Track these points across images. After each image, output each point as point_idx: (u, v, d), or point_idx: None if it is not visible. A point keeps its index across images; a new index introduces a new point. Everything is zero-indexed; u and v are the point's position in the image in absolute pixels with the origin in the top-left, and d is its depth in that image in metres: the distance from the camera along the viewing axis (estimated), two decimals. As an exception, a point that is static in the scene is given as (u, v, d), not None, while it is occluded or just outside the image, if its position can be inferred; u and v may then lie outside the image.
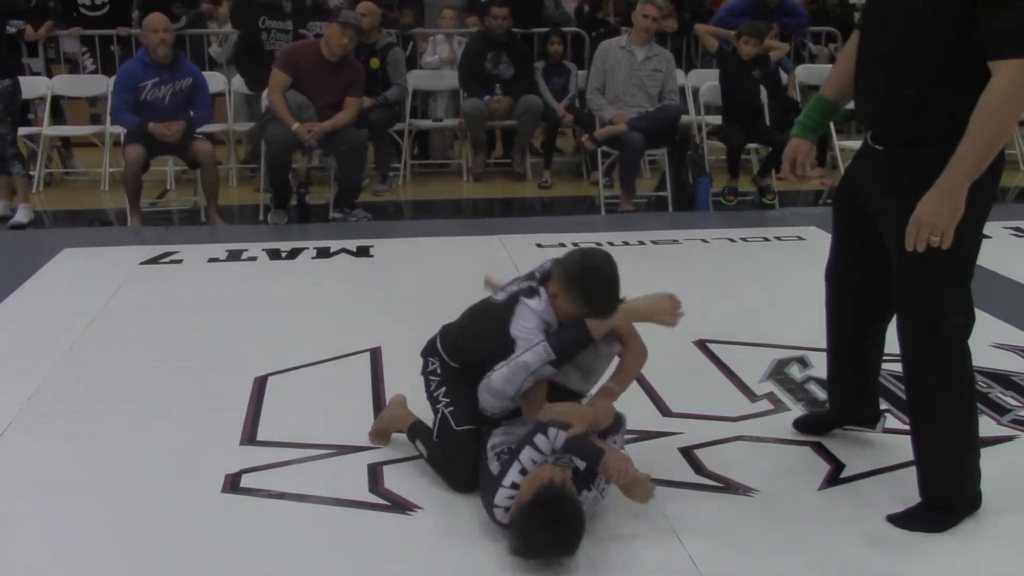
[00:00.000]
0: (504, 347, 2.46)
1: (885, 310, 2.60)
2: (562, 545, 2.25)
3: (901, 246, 2.30)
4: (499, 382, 2.44)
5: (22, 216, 6.05)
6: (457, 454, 2.58)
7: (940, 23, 2.20)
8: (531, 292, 2.52)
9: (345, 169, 6.16)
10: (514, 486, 2.34)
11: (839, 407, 2.93)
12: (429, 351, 2.74)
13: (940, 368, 2.41)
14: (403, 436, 2.83)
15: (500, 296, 2.61)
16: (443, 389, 2.65)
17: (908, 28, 2.25)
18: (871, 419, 2.95)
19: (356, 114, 6.15)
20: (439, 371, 2.68)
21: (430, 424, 2.69)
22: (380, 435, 2.90)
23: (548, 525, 2.21)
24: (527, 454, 2.36)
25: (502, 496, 2.36)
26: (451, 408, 2.61)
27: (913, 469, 2.76)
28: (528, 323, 2.46)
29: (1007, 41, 2.13)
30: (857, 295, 2.69)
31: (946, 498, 2.51)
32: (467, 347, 2.64)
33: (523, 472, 2.35)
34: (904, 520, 2.49)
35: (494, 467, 2.44)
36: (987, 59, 2.16)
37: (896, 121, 2.34)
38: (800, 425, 3.00)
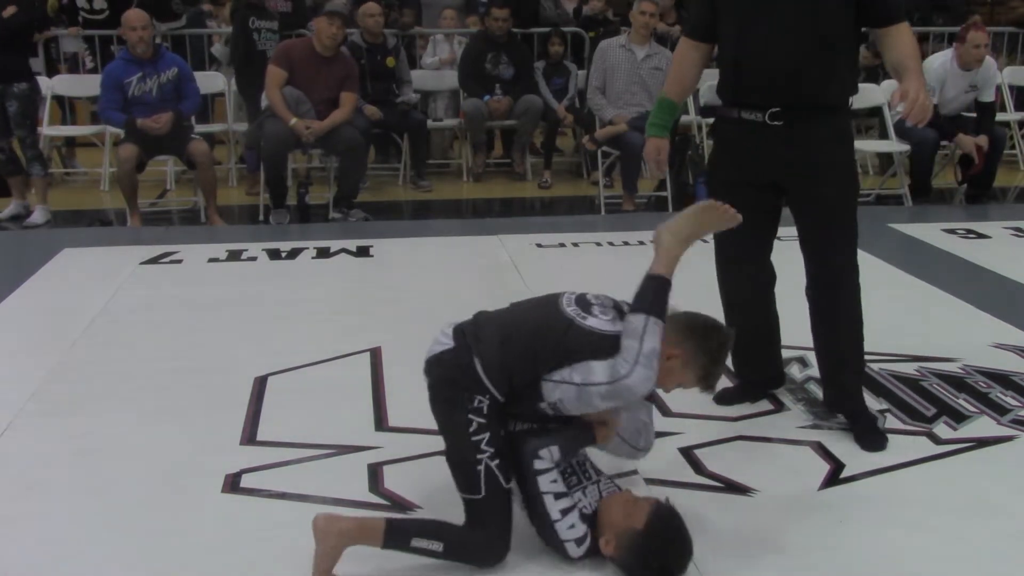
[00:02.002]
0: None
1: (771, 270, 3.05)
2: (689, 554, 2.22)
3: (832, 201, 2.80)
4: (641, 383, 2.15)
5: (39, 216, 6.08)
6: (504, 518, 2.24)
7: (839, 7, 2.68)
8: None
9: (343, 169, 6.17)
10: (564, 512, 2.22)
11: (750, 374, 3.19)
12: (471, 385, 2.22)
13: (855, 289, 2.87)
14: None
15: (586, 319, 2.25)
16: (486, 435, 2.21)
17: (812, 16, 2.66)
18: (779, 381, 3.24)
19: (353, 110, 6.17)
20: (485, 411, 2.22)
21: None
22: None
23: (679, 543, 2.20)
24: (545, 482, 2.23)
25: (564, 528, 2.22)
26: (497, 461, 2.21)
27: (913, 468, 2.79)
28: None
29: (893, 8, 2.72)
30: (758, 266, 3.03)
31: (862, 404, 2.97)
32: (526, 372, 2.22)
33: (557, 497, 2.22)
34: (870, 444, 2.86)
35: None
36: (879, 26, 2.72)
37: (810, 94, 2.71)
38: (719, 399, 3.15)
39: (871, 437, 2.89)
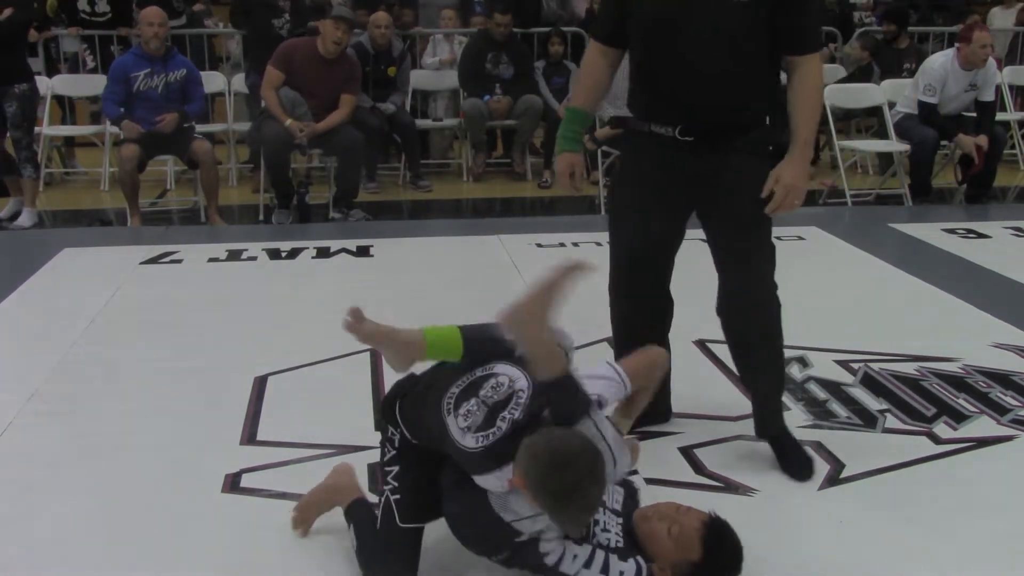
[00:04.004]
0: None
1: (669, 299, 2.86)
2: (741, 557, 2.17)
3: (748, 213, 2.58)
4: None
5: (25, 220, 6.07)
6: (397, 558, 2.16)
7: (754, 28, 2.45)
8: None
9: (341, 169, 6.18)
10: (604, 570, 2.07)
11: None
12: (389, 417, 2.22)
13: (777, 310, 2.71)
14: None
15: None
16: (395, 468, 2.19)
17: (726, 35, 2.45)
18: (667, 414, 3.02)
19: (351, 112, 6.19)
20: (398, 443, 2.20)
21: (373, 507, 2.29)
22: (306, 514, 2.41)
23: (736, 555, 2.15)
24: (569, 566, 2.05)
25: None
26: (397, 496, 2.16)
27: (913, 468, 2.79)
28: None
29: (809, 38, 2.53)
30: (658, 287, 2.81)
31: (784, 429, 2.80)
32: (426, 432, 2.13)
33: (588, 565, 2.05)
34: (797, 471, 2.70)
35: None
36: (792, 54, 2.50)
37: (724, 113, 2.53)
38: None
39: (797, 465, 2.72)
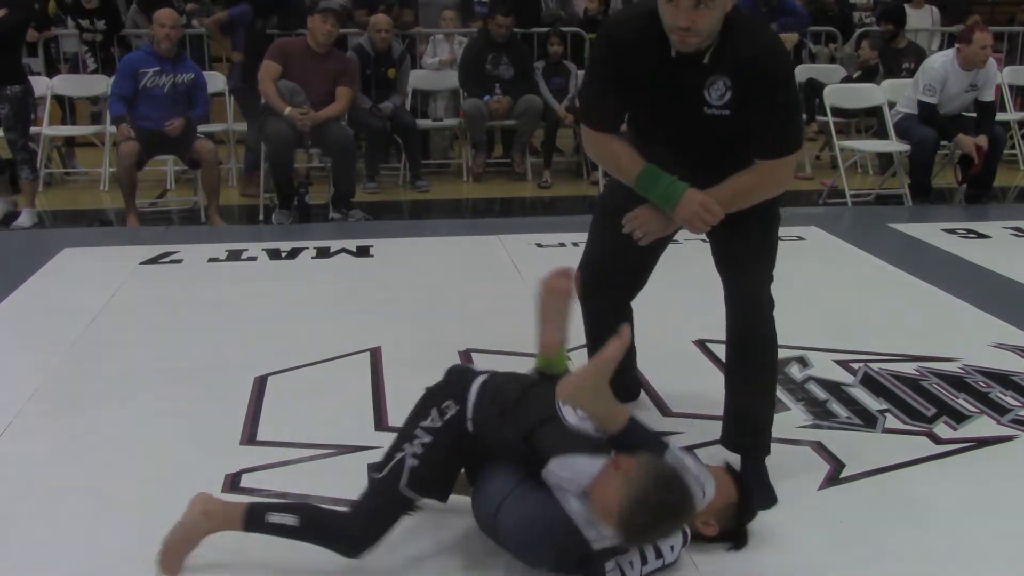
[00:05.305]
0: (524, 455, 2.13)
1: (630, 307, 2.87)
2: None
3: (754, 224, 2.56)
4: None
5: (25, 220, 6.08)
6: (380, 515, 2.18)
7: (743, 131, 2.43)
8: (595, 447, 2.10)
9: (337, 170, 6.21)
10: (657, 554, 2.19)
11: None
12: (459, 393, 2.21)
13: (772, 324, 2.64)
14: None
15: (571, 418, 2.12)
16: (430, 439, 2.17)
17: (716, 142, 2.46)
18: (635, 394, 3.13)
19: (348, 105, 6.25)
20: (448, 419, 2.18)
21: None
22: (172, 558, 2.22)
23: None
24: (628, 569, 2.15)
25: (670, 555, 2.21)
26: (415, 463, 2.15)
27: (913, 468, 2.78)
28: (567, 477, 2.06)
29: (771, 148, 2.44)
30: (629, 290, 2.85)
31: (767, 448, 2.68)
32: (497, 428, 2.17)
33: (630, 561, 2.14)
34: (760, 499, 2.51)
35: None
36: (757, 157, 2.44)
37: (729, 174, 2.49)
38: None
39: (759, 493, 2.54)
